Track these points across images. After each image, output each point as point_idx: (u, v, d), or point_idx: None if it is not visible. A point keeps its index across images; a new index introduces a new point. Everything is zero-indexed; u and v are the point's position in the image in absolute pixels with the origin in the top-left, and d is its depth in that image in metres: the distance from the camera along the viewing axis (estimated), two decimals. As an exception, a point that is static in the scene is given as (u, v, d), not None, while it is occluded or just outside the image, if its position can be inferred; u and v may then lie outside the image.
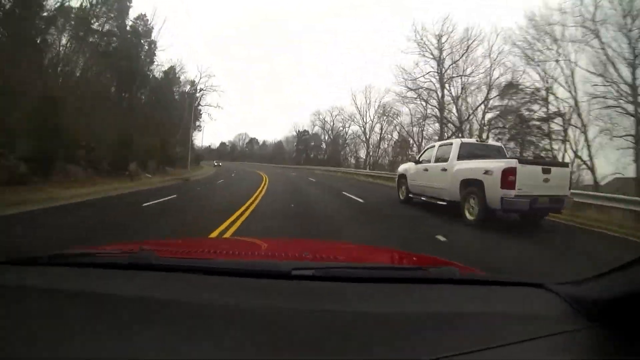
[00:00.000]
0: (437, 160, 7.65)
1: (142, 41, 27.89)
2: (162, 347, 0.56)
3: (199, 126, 68.71)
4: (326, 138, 60.57)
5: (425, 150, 8.90)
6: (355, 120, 48.54)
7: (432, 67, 28.17)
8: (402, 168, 9.92)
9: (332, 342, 0.60)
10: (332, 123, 57.79)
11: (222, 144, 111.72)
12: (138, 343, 0.57)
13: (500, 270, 3.35)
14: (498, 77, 24.88)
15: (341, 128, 55.29)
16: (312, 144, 66.01)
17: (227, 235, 4.75)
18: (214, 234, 4.76)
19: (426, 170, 7.94)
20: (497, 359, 0.57)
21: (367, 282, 0.84)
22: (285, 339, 0.60)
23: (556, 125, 21.56)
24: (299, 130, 69.86)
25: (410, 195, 8.73)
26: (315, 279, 0.83)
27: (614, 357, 0.61)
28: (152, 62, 30.23)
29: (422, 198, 7.97)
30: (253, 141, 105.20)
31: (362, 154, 49.34)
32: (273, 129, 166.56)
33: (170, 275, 0.85)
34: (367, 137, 46.78)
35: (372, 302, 0.74)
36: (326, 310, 0.69)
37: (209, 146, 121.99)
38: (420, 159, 8.55)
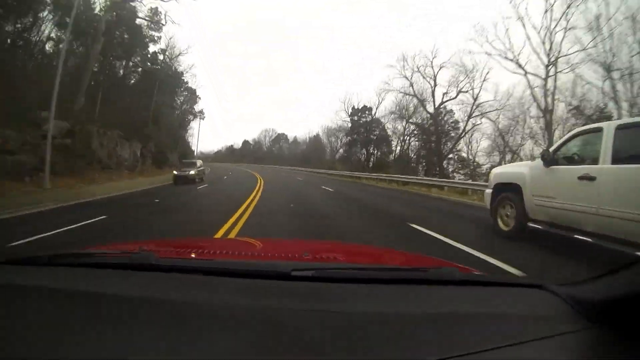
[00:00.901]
0: (619, 158, 3.58)
1: None
2: (161, 347, 0.56)
3: (201, 112, 45.58)
4: (423, 117, 30.47)
5: (574, 137, 4.40)
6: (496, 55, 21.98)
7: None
8: (503, 172, 5.53)
9: (332, 343, 0.59)
10: (432, 83, 28.62)
11: (246, 143, 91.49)
12: (138, 343, 0.57)
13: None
14: None
15: (446, 94, 28.10)
16: (376, 132, 36.84)
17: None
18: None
19: (589, 178, 3.73)
20: None
21: (368, 283, 0.83)
22: (285, 340, 0.59)
23: None
24: (353, 107, 39.29)
25: (532, 224, 4.61)
26: (315, 279, 0.82)
27: (614, 358, 0.60)
28: None
29: (581, 237, 3.88)
30: (280, 138, 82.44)
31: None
32: (307, 123, 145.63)
33: (170, 276, 0.84)
34: (550, 96, 20.00)
35: (372, 303, 0.74)
36: (326, 311, 0.68)
37: (231, 146, 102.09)
38: (558, 155, 4.36)
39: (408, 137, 33.27)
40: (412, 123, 32.05)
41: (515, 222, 4.77)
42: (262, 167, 54.32)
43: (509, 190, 4.96)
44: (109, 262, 0.95)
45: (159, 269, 0.85)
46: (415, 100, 30.17)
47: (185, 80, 36.67)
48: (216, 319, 0.65)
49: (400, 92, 30.82)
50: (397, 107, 32.32)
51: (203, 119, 46.47)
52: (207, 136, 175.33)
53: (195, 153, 47.12)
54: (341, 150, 44.34)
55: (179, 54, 31.73)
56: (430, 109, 29.24)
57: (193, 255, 1.18)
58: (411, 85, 29.91)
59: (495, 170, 5.96)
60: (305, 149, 63.17)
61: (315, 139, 58.10)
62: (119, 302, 0.70)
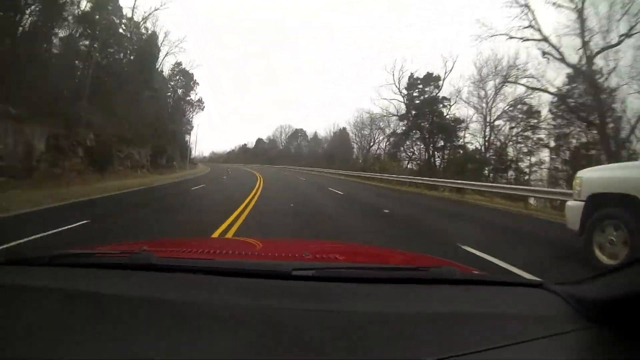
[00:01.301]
0: None
1: None
2: (161, 347, 0.56)
3: (200, 101, 34.79)
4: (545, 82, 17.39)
5: None
6: None
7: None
8: (607, 177, 3.77)
9: (333, 342, 0.59)
10: (579, 12, 14.69)
11: (259, 141, 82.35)
12: (138, 343, 0.57)
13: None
14: None
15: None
16: (445, 112, 23.34)
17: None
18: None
19: None
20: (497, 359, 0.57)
21: (368, 282, 0.83)
22: (286, 340, 0.59)
23: None
24: (411, 77, 25.89)
25: None
26: (316, 279, 0.81)
27: (614, 358, 0.60)
28: None
29: None
30: (298, 134, 72.25)
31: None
32: (329, 118, 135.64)
33: (170, 276, 0.84)
34: None
35: (372, 303, 0.74)
36: (326, 310, 0.68)
37: (245, 145, 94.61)
38: None
39: (519, 119, 19.33)
40: (540, 90, 17.59)
41: (629, 253, 3.22)
42: (273, 167, 44.43)
43: (615, 205, 3.40)
44: (109, 262, 0.95)
45: (159, 269, 0.85)
46: (514, 58, 17.92)
47: (178, 61, 27.15)
48: (216, 319, 0.65)
49: (513, 38, 16.66)
50: (491, 69, 19.65)
51: (202, 110, 36.96)
52: (219, 136, 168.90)
53: (193, 151, 37.65)
54: (384, 145, 33.43)
55: (153, 10, 22.12)
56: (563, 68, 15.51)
57: (193, 255, 1.17)
58: (531, 22, 15.36)
59: (588, 174, 3.93)
60: (327, 147, 53.12)
61: (341, 133, 47.68)
62: (119, 302, 0.70)
